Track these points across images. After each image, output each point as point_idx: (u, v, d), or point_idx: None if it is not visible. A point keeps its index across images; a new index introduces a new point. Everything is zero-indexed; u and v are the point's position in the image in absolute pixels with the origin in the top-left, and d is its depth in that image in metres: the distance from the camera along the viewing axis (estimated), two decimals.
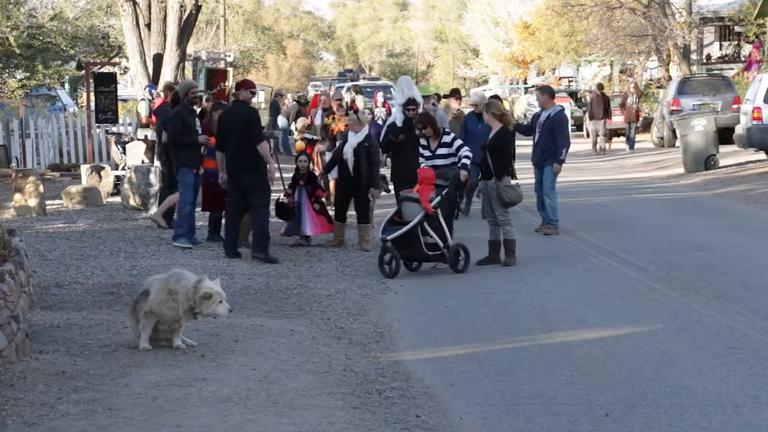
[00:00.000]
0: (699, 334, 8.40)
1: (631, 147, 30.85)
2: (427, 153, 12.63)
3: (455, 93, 17.93)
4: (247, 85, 12.52)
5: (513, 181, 12.37)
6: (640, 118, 32.07)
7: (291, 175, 14.04)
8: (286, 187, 13.95)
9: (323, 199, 13.82)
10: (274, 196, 13.34)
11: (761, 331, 8.43)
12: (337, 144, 15.63)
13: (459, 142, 12.51)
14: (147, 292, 7.55)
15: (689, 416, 6.35)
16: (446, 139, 12.56)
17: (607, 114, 30.48)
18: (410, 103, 13.60)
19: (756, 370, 7.28)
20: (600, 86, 32.50)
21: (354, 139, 13.20)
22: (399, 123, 13.65)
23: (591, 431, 6.19)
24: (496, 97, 17.58)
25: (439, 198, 11.67)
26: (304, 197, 13.38)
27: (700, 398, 6.69)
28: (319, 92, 33.79)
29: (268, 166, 12.20)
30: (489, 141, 12.13)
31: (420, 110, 13.75)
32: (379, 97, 23.61)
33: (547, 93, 14.66)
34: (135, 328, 7.60)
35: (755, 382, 7.01)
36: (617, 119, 32.95)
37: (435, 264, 11.87)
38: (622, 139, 33.15)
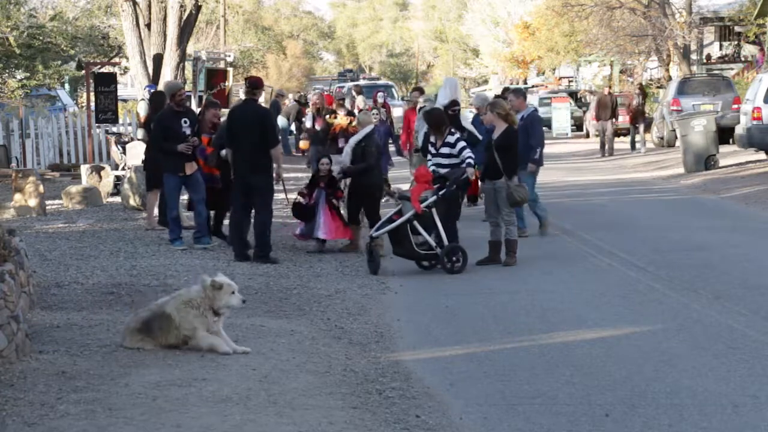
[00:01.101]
0: (699, 334, 8.40)
1: (633, 147, 30.30)
2: (433, 150, 12.66)
3: (517, 92, 17.52)
4: (262, 84, 12.59)
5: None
6: (645, 118, 31.44)
7: (288, 176, 13.99)
8: (302, 188, 13.70)
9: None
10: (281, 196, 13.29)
11: (761, 331, 8.43)
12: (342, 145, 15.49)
13: (462, 143, 12.41)
14: (164, 317, 7.54)
15: (689, 416, 6.35)
16: (450, 139, 12.47)
17: (614, 114, 29.99)
18: (453, 104, 13.26)
19: (756, 370, 7.28)
20: (608, 86, 32.32)
21: (352, 139, 13.14)
22: None
23: (591, 431, 6.19)
24: (506, 90, 17.36)
25: (433, 198, 11.68)
26: (323, 199, 13.06)
27: (700, 398, 6.69)
28: (326, 92, 33.48)
29: (275, 167, 12.20)
30: (496, 140, 12.07)
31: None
32: (379, 97, 23.44)
33: (520, 95, 14.53)
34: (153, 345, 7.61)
35: (755, 382, 7.02)
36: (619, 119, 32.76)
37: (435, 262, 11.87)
38: (622, 138, 33.02)
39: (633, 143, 30.46)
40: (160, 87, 21.64)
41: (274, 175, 12.43)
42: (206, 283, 7.56)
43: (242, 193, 12.18)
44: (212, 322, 7.56)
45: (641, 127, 30.61)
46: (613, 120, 30.15)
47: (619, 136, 33.68)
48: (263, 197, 12.13)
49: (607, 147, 30.07)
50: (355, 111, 20.07)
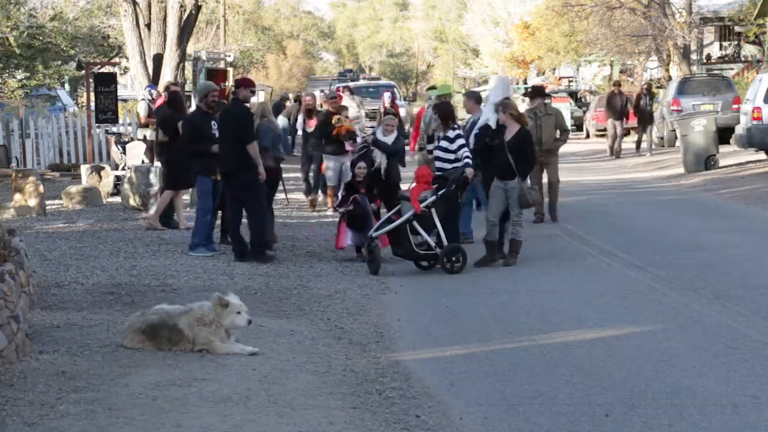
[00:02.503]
0: (699, 334, 8.40)
1: (639, 148, 29.37)
2: (436, 142, 12.68)
3: (469, 95, 16.21)
4: (247, 84, 12.35)
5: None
6: (653, 119, 29.66)
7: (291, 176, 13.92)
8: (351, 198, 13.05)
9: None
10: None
11: (761, 331, 8.43)
12: (356, 147, 15.17)
13: (460, 141, 12.37)
14: (175, 330, 7.57)
15: (689, 416, 6.36)
16: (450, 134, 12.36)
17: (624, 114, 28.67)
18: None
19: (756, 370, 7.28)
20: (617, 84, 30.73)
21: (388, 141, 12.75)
22: (493, 125, 12.58)
23: (591, 431, 6.19)
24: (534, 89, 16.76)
25: (433, 198, 11.68)
26: (368, 206, 12.55)
27: (700, 398, 6.69)
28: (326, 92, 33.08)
29: (258, 168, 12.06)
30: (509, 142, 12.03)
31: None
32: (386, 97, 23.14)
33: (473, 98, 14.44)
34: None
35: (755, 382, 7.02)
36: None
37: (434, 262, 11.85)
38: (627, 138, 32.64)
39: (639, 144, 29.56)
40: (160, 87, 21.66)
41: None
42: (215, 300, 7.58)
43: (232, 193, 12.17)
44: (224, 336, 7.57)
45: (649, 128, 29.33)
46: (623, 120, 28.89)
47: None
48: (252, 196, 12.03)
49: (615, 148, 28.82)
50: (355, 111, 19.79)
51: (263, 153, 12.47)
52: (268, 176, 12.48)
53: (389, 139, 12.83)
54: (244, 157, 11.87)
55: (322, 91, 33.11)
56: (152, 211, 15.65)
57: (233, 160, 11.92)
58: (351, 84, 42.23)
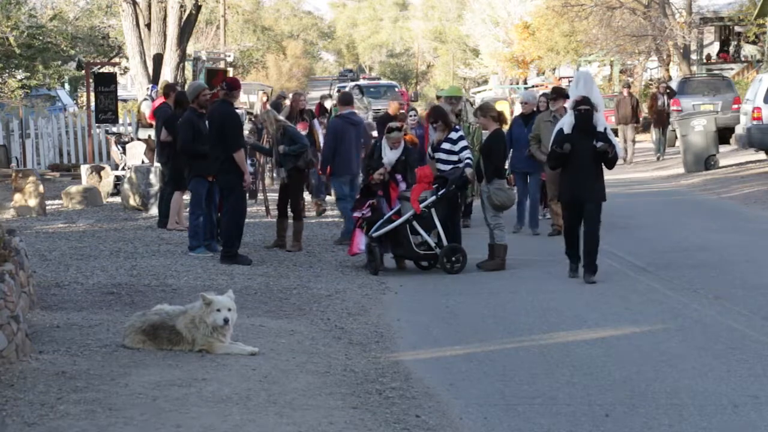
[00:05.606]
0: (699, 334, 8.41)
1: (659, 152, 27.81)
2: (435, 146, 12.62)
3: (344, 98, 15.31)
4: (238, 86, 12.37)
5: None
6: (671, 121, 27.87)
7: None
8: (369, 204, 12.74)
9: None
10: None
11: (761, 331, 8.44)
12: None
13: (463, 143, 12.31)
14: (174, 331, 7.59)
15: (689, 416, 6.36)
16: (452, 135, 12.27)
17: (635, 118, 27.18)
18: (582, 102, 11.13)
19: (756, 370, 7.29)
20: (627, 86, 29.27)
21: (393, 155, 12.30)
22: (567, 129, 11.20)
23: (591, 431, 6.19)
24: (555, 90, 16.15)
25: (433, 198, 11.66)
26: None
27: (700, 398, 6.69)
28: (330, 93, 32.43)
29: (245, 175, 11.93)
30: (483, 143, 12.06)
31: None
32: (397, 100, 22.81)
33: (347, 104, 14.40)
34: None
35: (755, 382, 7.02)
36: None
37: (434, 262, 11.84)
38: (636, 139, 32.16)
39: (665, 145, 27.93)
40: (159, 87, 21.64)
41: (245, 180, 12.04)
42: (201, 299, 7.60)
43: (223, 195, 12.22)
44: (221, 336, 7.57)
45: (666, 130, 27.80)
46: (635, 124, 27.46)
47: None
48: (228, 198, 12.01)
49: (628, 154, 27.10)
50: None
51: (303, 153, 12.77)
52: (297, 180, 12.76)
53: (395, 154, 12.40)
54: (226, 160, 11.80)
55: (338, 91, 32.23)
56: (154, 209, 15.75)
57: (220, 161, 11.86)
58: (360, 83, 41.98)
